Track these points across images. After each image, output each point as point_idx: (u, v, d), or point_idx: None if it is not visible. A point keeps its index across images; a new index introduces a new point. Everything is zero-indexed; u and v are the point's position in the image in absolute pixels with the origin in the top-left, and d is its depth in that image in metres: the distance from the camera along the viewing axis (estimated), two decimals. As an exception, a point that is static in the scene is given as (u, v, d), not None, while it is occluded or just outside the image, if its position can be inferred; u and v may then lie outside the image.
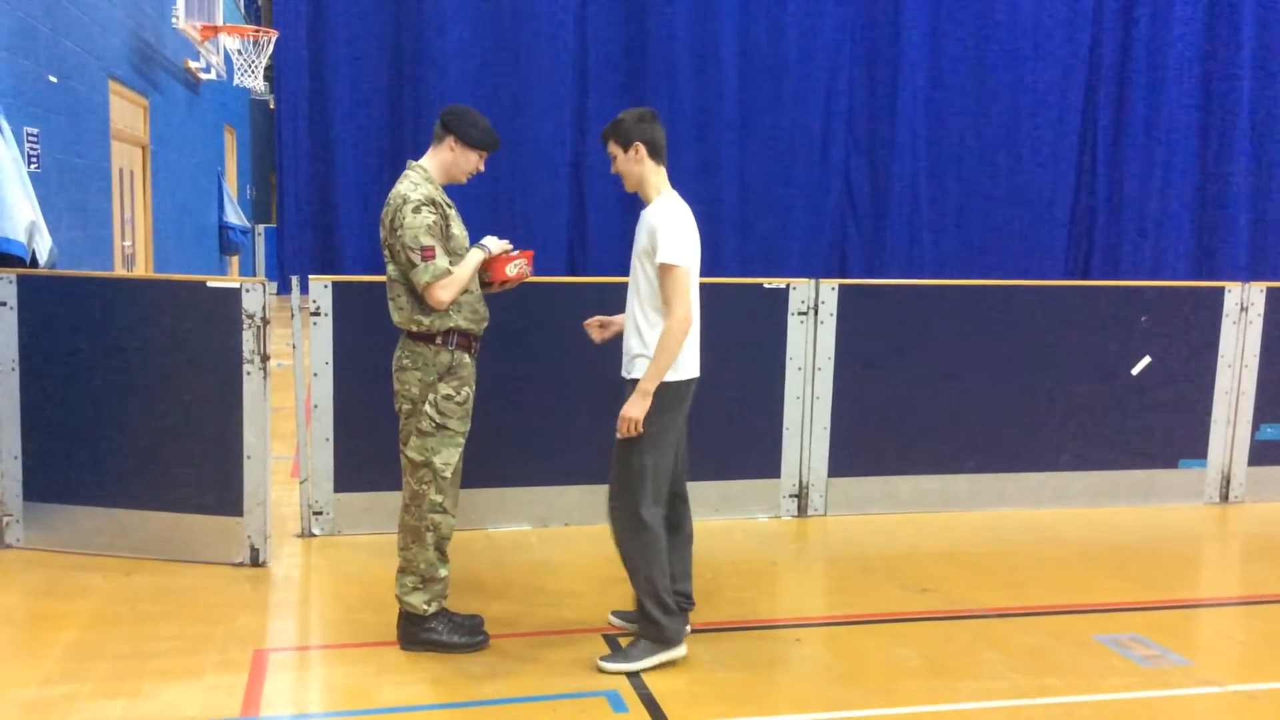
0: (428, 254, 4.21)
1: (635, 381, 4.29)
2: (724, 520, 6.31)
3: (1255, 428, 6.98)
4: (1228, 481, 7.00)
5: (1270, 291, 6.95)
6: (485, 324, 4.50)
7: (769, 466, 6.40)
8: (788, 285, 6.30)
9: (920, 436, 6.56)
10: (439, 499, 4.40)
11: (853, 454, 6.47)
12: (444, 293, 4.24)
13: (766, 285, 6.31)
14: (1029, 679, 4.35)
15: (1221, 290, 6.93)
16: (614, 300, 6.11)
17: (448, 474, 4.40)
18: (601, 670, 4.29)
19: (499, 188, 16.52)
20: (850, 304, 6.38)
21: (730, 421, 6.28)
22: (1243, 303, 6.89)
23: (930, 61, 18.95)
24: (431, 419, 4.33)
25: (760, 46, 18.42)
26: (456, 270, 4.29)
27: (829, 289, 6.34)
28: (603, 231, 17.76)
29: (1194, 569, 6.09)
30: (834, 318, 6.34)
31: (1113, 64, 19.39)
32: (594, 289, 6.31)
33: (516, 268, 4.52)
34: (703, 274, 4.52)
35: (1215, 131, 19.57)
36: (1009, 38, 18.93)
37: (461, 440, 4.44)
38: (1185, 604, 5.33)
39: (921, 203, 19.19)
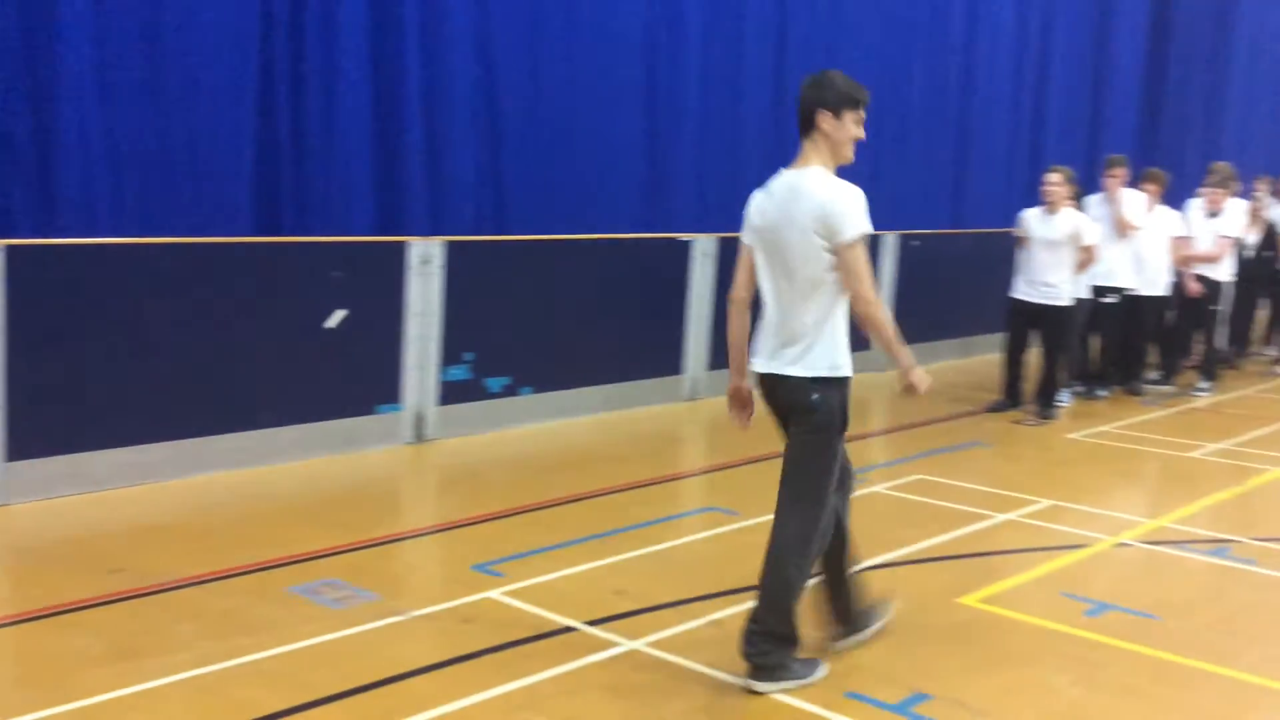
0: None
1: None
2: None
3: (442, 370, 7.59)
4: (422, 421, 7.54)
5: (448, 245, 7.56)
6: None
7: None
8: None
9: (110, 408, 6.13)
10: None
11: (34, 433, 5.86)
12: None
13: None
14: (218, 643, 4.27)
15: (405, 244, 7.40)
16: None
17: None
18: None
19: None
20: (21, 269, 5.74)
21: None
22: (425, 255, 7.42)
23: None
24: None
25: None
26: None
27: (-9, 251, 5.64)
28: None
29: (390, 507, 6.47)
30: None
31: (285, 16, 19.51)
32: None
33: None
34: None
35: (387, 90, 20.81)
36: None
37: None
38: (377, 542, 5.60)
39: (96, 153, 17.70)
